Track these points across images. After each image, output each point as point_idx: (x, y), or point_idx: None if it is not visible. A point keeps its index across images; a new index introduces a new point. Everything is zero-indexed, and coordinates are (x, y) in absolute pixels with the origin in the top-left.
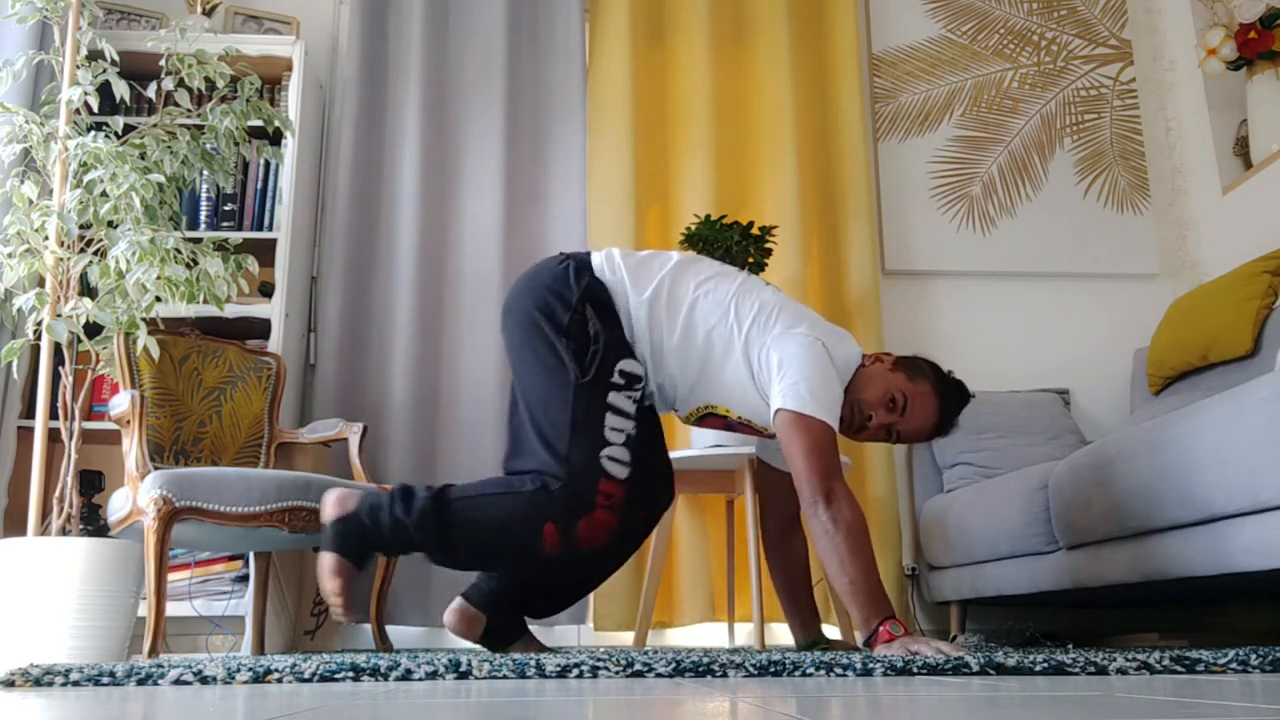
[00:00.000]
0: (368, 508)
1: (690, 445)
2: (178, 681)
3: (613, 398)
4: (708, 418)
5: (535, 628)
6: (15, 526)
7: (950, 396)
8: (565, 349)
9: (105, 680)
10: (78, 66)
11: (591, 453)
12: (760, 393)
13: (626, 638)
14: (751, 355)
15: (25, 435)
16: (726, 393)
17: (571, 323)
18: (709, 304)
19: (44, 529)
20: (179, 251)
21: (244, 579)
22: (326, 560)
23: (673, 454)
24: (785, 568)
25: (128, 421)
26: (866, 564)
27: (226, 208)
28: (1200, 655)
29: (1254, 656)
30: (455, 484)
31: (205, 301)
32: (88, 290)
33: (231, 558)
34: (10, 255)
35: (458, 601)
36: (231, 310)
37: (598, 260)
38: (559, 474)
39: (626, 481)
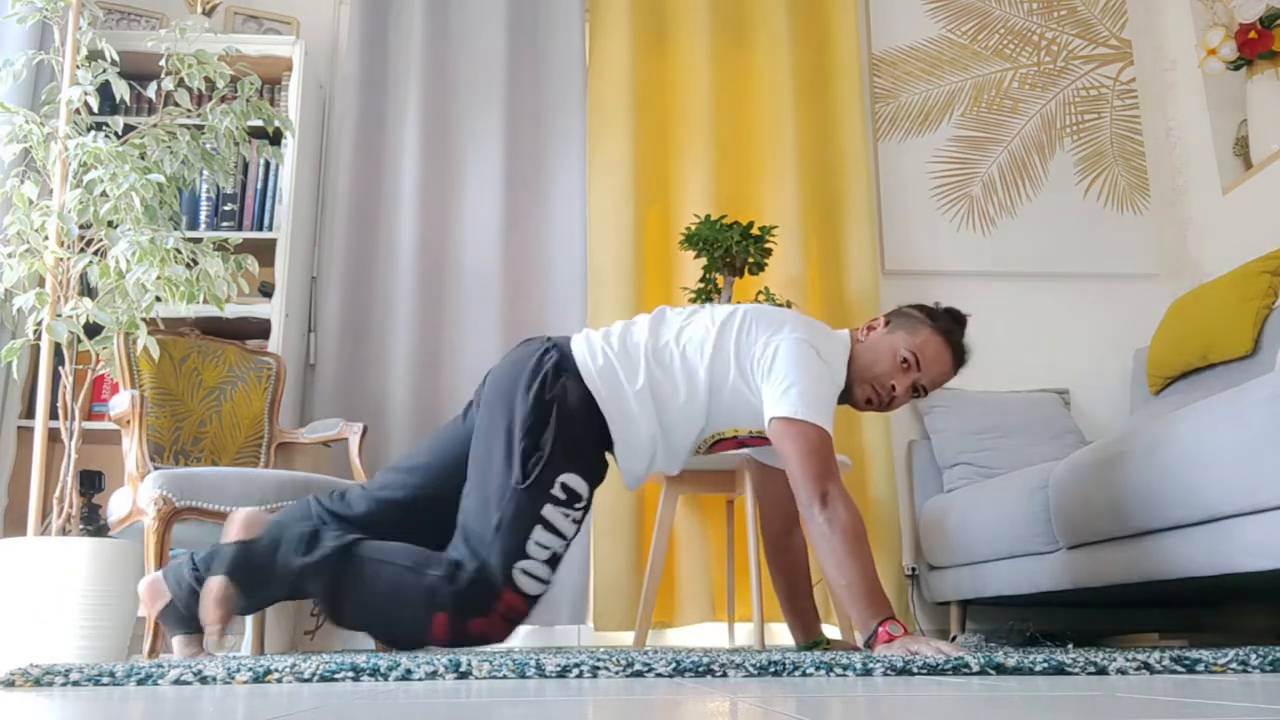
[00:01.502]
0: (272, 538)
1: (713, 453)
2: (178, 681)
3: (548, 511)
4: (718, 443)
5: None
6: (15, 526)
7: (953, 330)
8: (518, 446)
9: (105, 680)
10: (78, 66)
11: (506, 561)
12: (759, 402)
13: (626, 638)
14: (746, 370)
15: (25, 435)
16: (734, 415)
17: (534, 422)
18: (693, 350)
19: (44, 529)
20: (179, 251)
21: None
22: (215, 586)
23: None
24: (785, 570)
25: (128, 421)
26: (864, 565)
27: (226, 208)
28: (1200, 655)
29: (1254, 656)
30: (369, 539)
31: (205, 301)
32: (88, 290)
33: None
34: (10, 255)
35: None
36: (231, 310)
37: (579, 351)
38: (469, 572)
39: (534, 599)
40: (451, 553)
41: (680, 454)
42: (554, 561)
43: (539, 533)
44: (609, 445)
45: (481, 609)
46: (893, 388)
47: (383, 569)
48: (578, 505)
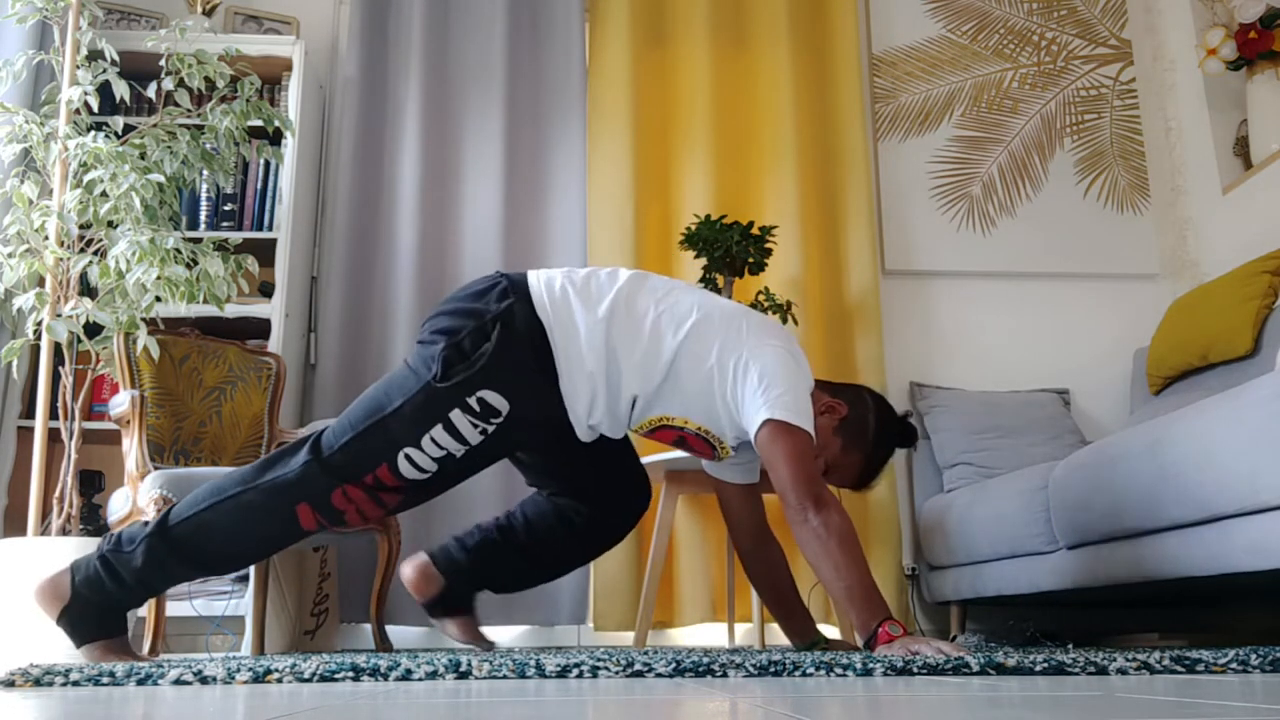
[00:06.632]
0: (83, 582)
1: (652, 440)
2: (178, 681)
3: (455, 415)
4: (660, 430)
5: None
6: (15, 526)
7: (881, 460)
8: (441, 351)
9: (105, 680)
10: (78, 66)
11: (389, 443)
12: (725, 403)
13: (626, 638)
14: (726, 365)
15: (25, 435)
16: (689, 403)
17: (468, 335)
18: (671, 319)
19: (44, 529)
20: (179, 251)
21: (244, 579)
22: (86, 655)
23: (672, 455)
24: (768, 579)
25: (128, 421)
26: (861, 568)
27: (226, 208)
28: (1200, 655)
29: (1254, 656)
30: (176, 504)
31: (205, 301)
32: (88, 290)
33: None
34: (10, 255)
35: (421, 557)
36: (231, 310)
37: (534, 281)
38: (338, 445)
39: (410, 485)
40: (301, 448)
41: (620, 417)
42: (446, 462)
43: (438, 430)
44: (553, 380)
45: (343, 479)
46: None
47: (211, 513)
48: (493, 419)
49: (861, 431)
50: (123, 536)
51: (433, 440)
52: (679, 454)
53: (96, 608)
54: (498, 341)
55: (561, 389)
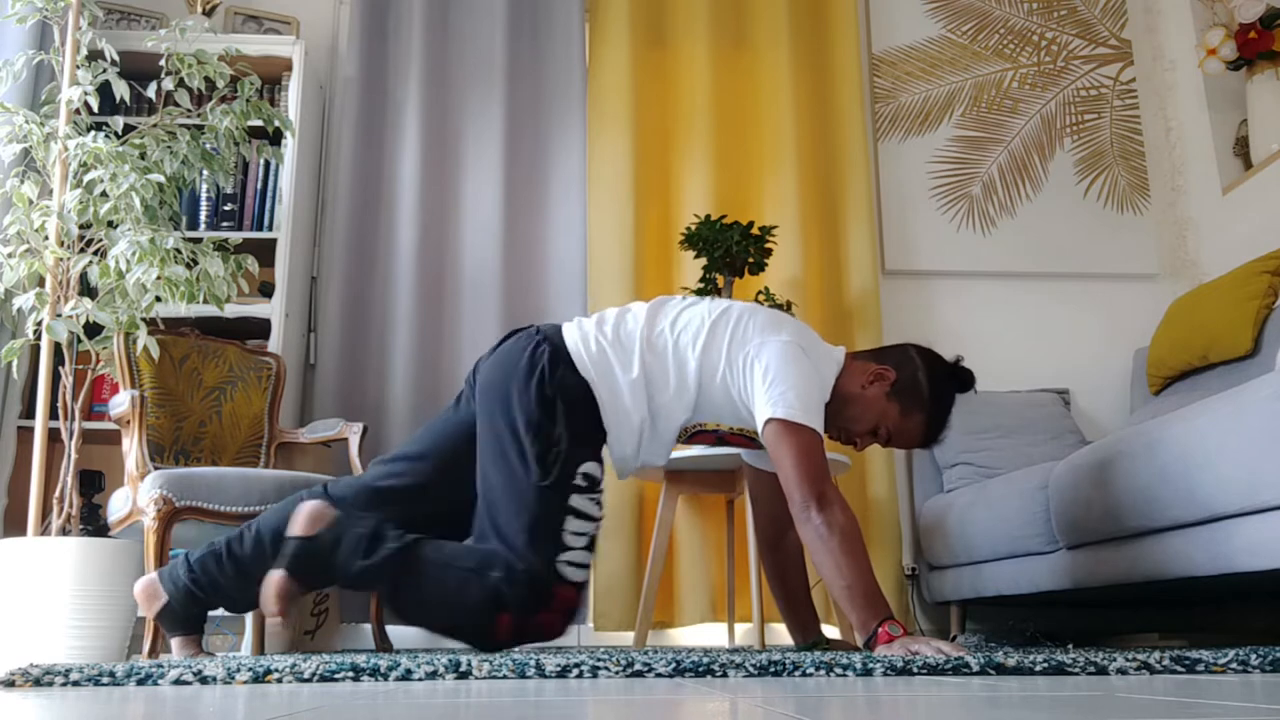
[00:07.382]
0: (335, 538)
1: (690, 445)
2: (178, 681)
3: (575, 500)
4: (698, 435)
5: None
6: (15, 526)
7: (945, 413)
8: (530, 447)
9: (105, 680)
10: (78, 66)
11: (549, 556)
12: (743, 399)
13: (626, 638)
14: (736, 364)
15: (25, 435)
16: (718, 409)
17: (541, 419)
18: (687, 339)
19: (44, 529)
20: (179, 251)
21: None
22: (276, 580)
23: (673, 454)
24: (781, 571)
25: (128, 421)
26: (863, 567)
27: (226, 208)
28: (1200, 655)
29: (1254, 656)
30: (429, 540)
31: (205, 301)
32: (88, 290)
33: None
34: (10, 255)
35: (150, 575)
36: (231, 310)
37: (572, 340)
38: (521, 571)
39: (582, 586)
40: (502, 554)
41: (666, 443)
42: (591, 545)
43: (571, 523)
44: (603, 429)
45: (544, 604)
46: (856, 442)
47: (446, 573)
48: (599, 488)
49: (916, 391)
50: (385, 533)
51: (574, 534)
52: (678, 453)
53: (319, 559)
54: (565, 415)
55: (609, 438)
